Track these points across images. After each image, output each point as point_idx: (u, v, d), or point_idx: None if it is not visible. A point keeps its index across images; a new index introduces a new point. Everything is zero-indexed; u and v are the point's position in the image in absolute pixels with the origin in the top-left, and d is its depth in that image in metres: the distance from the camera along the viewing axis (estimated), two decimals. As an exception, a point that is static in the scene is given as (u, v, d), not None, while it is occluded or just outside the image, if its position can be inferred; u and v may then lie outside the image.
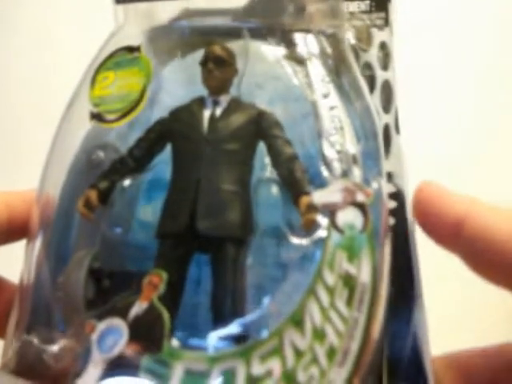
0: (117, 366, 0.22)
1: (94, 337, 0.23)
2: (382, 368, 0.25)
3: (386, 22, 0.31)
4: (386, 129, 0.30)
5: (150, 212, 0.26)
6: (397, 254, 0.26)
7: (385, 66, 0.31)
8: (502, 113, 0.64)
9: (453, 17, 0.67)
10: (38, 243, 0.26)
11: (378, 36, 0.31)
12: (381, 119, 0.30)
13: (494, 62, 0.66)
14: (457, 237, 0.23)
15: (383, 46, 0.31)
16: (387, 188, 0.28)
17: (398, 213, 0.28)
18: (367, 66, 0.31)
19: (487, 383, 0.27)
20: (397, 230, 0.27)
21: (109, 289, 0.25)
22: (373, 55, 0.31)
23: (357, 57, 0.31)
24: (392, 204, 0.28)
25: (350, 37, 0.31)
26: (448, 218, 0.23)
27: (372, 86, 0.30)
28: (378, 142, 0.26)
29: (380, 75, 0.31)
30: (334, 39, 0.28)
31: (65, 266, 0.25)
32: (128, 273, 0.25)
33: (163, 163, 0.26)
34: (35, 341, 0.24)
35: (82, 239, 0.26)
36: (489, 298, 0.24)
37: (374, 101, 0.30)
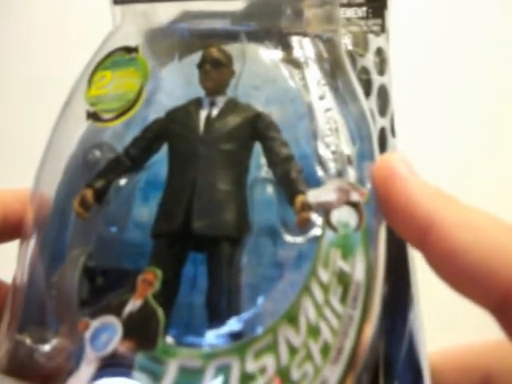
0: (110, 363, 0.22)
1: (88, 335, 0.23)
2: (378, 366, 0.25)
3: (383, 29, 0.32)
4: (382, 132, 0.30)
5: (145, 211, 0.26)
6: (392, 251, 0.26)
7: (381, 71, 0.31)
8: (503, 115, 0.64)
9: (453, 21, 0.67)
10: (32, 242, 0.26)
11: (375, 42, 0.31)
12: (377, 122, 0.30)
13: (494, 63, 0.66)
14: (422, 243, 0.23)
15: (379, 52, 0.31)
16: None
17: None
18: (364, 71, 0.31)
19: (482, 379, 0.27)
20: (392, 229, 0.27)
21: (103, 287, 0.25)
22: (369, 60, 0.31)
23: (353, 62, 0.31)
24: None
25: (347, 42, 0.31)
26: (413, 223, 0.23)
27: (368, 89, 0.31)
28: (372, 145, 0.27)
29: (376, 79, 0.31)
30: (331, 44, 0.28)
31: (59, 264, 0.25)
32: (123, 271, 0.25)
33: (160, 162, 0.26)
34: (27, 340, 0.24)
35: (78, 238, 0.26)
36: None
37: (370, 104, 0.30)
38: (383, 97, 0.31)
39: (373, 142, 0.27)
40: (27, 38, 0.68)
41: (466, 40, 0.67)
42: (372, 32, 0.32)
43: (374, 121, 0.29)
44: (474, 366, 0.27)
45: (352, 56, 0.31)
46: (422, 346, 0.26)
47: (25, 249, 0.26)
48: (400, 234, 0.24)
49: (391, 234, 0.26)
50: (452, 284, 0.22)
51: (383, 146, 0.29)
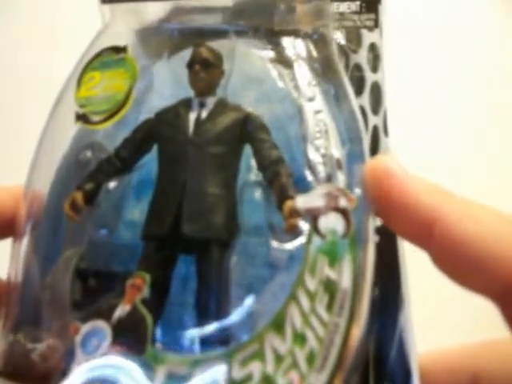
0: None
1: (78, 339, 0.23)
2: (368, 367, 0.25)
3: (376, 24, 0.31)
4: (375, 131, 0.30)
5: (136, 212, 0.26)
6: (383, 252, 0.26)
7: (374, 67, 0.31)
8: (496, 113, 0.64)
9: (449, 19, 0.67)
10: (25, 242, 0.26)
11: (368, 37, 0.31)
12: (369, 121, 0.30)
13: (488, 63, 0.66)
14: (426, 240, 0.23)
15: (373, 48, 0.31)
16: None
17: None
18: (357, 67, 0.31)
19: (471, 380, 0.27)
20: (383, 230, 0.27)
21: (95, 289, 0.25)
22: (362, 56, 0.31)
23: (347, 58, 0.31)
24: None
25: (339, 37, 0.31)
26: (416, 220, 0.23)
27: (361, 87, 0.30)
28: (362, 147, 0.27)
29: (369, 77, 0.31)
30: (321, 43, 0.28)
31: (52, 265, 0.26)
32: (114, 273, 0.25)
33: (151, 162, 0.26)
34: (22, 340, 0.25)
35: (70, 239, 0.26)
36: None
37: (362, 102, 0.30)
38: (376, 94, 0.30)
39: (363, 144, 0.27)
40: (16, 37, 0.67)
41: (463, 37, 0.67)
42: (365, 27, 0.31)
43: (366, 119, 0.29)
44: (463, 366, 0.28)
45: (345, 52, 0.31)
46: (412, 348, 0.26)
47: (18, 247, 0.27)
48: (401, 232, 0.24)
49: (382, 236, 0.26)
50: (456, 276, 0.23)
51: (375, 146, 0.29)
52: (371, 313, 0.24)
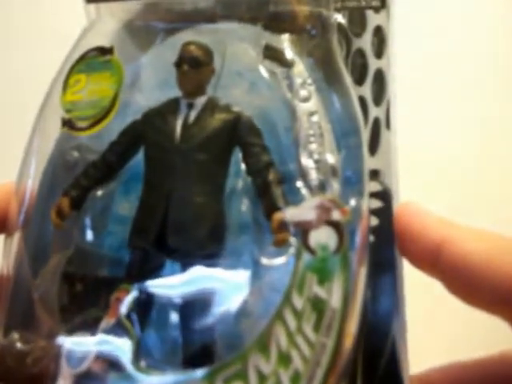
0: (84, 381, 0.22)
1: (64, 351, 0.23)
2: (356, 378, 0.25)
3: (383, 4, 0.29)
4: (376, 123, 0.28)
5: (124, 215, 0.25)
6: (379, 255, 0.25)
7: (379, 53, 0.29)
8: (501, 110, 0.62)
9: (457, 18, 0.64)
10: (16, 239, 0.26)
11: (374, 19, 0.29)
12: (370, 113, 0.28)
13: (494, 58, 0.63)
14: (435, 262, 0.24)
15: (378, 31, 0.29)
16: (373, 186, 0.27)
17: (383, 213, 0.27)
18: (359, 53, 0.29)
19: None
20: (381, 231, 0.26)
21: (82, 294, 0.25)
22: (366, 41, 0.29)
23: (348, 43, 0.29)
24: (377, 203, 0.27)
25: (341, 19, 0.29)
26: (425, 244, 0.24)
27: (363, 75, 0.29)
28: (360, 141, 0.25)
29: (373, 63, 0.29)
30: (319, 37, 0.26)
31: (41, 267, 0.25)
32: (101, 279, 0.25)
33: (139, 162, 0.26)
34: (14, 342, 0.25)
35: (58, 241, 0.26)
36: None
37: (364, 92, 0.28)
38: (379, 83, 0.29)
39: (361, 138, 0.26)
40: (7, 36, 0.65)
41: (471, 27, 0.64)
42: (371, 8, 0.29)
43: (366, 111, 0.28)
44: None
45: (347, 36, 0.29)
46: (405, 357, 0.25)
47: (9, 245, 0.26)
48: (410, 257, 0.25)
49: (378, 237, 0.25)
50: (466, 293, 0.24)
51: (376, 140, 0.28)
52: (362, 319, 0.23)
